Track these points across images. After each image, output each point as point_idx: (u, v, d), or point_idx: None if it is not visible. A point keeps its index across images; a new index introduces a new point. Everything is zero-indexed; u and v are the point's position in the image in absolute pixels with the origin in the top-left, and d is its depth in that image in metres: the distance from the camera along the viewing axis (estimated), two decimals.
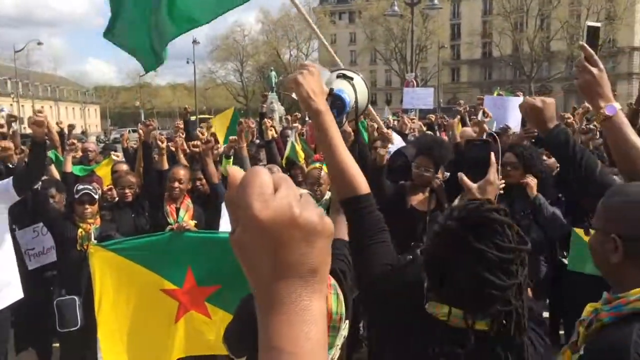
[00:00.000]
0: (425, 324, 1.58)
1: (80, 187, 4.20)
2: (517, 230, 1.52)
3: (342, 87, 2.54)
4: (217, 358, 4.07)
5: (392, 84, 66.75)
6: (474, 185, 2.06)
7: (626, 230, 1.48)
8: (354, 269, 1.81)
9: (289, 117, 7.91)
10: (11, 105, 55.56)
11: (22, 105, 59.35)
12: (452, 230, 1.51)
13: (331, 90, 2.49)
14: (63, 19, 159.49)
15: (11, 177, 3.74)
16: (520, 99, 6.47)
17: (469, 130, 6.46)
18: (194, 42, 51.88)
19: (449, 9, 63.88)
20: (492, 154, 2.15)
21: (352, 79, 2.64)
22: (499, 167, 2.25)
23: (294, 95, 1.83)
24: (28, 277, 4.13)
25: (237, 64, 71.15)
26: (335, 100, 2.46)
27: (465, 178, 2.09)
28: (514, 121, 6.07)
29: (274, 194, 0.62)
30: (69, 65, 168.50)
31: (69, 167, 5.06)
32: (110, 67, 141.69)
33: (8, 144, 4.53)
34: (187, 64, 57.48)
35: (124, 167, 5.62)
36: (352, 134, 3.06)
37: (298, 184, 5.50)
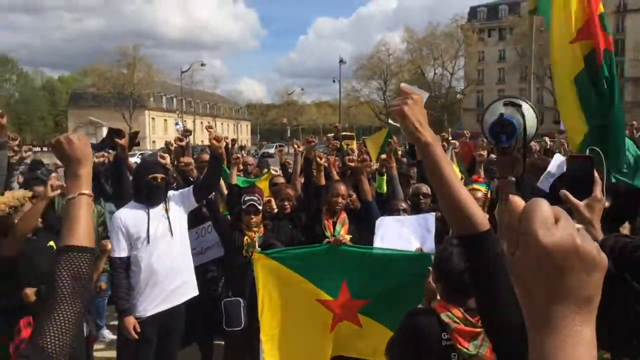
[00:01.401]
0: None
1: (247, 198, 4.49)
2: None
3: (512, 114, 2.49)
4: None
5: (544, 102, 62.99)
6: (580, 204, 1.92)
7: None
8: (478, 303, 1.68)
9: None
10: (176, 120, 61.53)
11: (185, 121, 65.33)
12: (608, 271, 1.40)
13: (501, 115, 2.44)
14: (222, 42, 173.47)
15: (192, 186, 4.15)
16: None
17: None
18: (341, 61, 53.47)
19: (612, 23, 58.92)
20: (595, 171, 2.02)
21: (520, 106, 2.58)
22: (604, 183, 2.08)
23: (398, 124, 1.74)
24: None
25: (381, 82, 71.92)
26: (506, 125, 2.42)
27: (570, 196, 1.94)
28: None
29: (556, 224, 0.66)
30: (226, 85, 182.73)
31: (234, 179, 5.45)
32: (262, 86, 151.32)
33: (189, 159, 5.01)
34: (332, 83, 59.36)
35: (282, 180, 5.95)
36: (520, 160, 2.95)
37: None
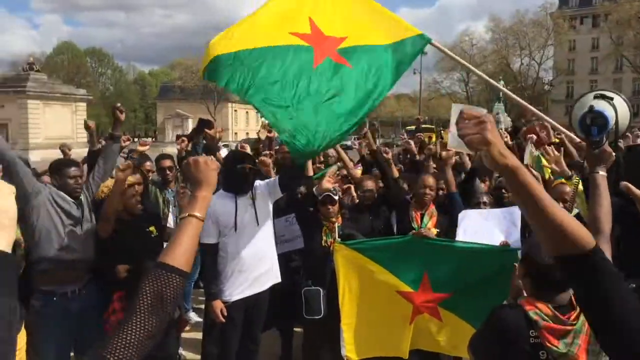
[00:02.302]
0: None
1: None
2: None
3: (603, 106, 2.38)
4: None
5: None
6: None
7: None
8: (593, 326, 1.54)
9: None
10: (257, 113, 62.98)
11: None
12: None
13: (591, 107, 2.35)
14: None
15: (278, 176, 4.28)
16: None
17: None
18: (422, 53, 52.50)
19: None
20: None
21: (612, 98, 2.46)
22: None
23: (472, 152, 1.65)
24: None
25: (463, 73, 70.01)
26: (597, 118, 2.32)
27: (632, 187, 1.81)
28: None
29: None
30: None
31: (310, 172, 5.57)
32: None
33: (267, 160, 5.17)
34: (413, 75, 58.47)
35: (358, 172, 6.03)
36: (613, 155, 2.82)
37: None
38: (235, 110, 73.02)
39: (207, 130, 5.22)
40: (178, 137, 6.46)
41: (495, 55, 66.18)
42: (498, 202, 4.86)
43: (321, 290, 4.37)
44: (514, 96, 4.42)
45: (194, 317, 6.57)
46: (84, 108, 42.52)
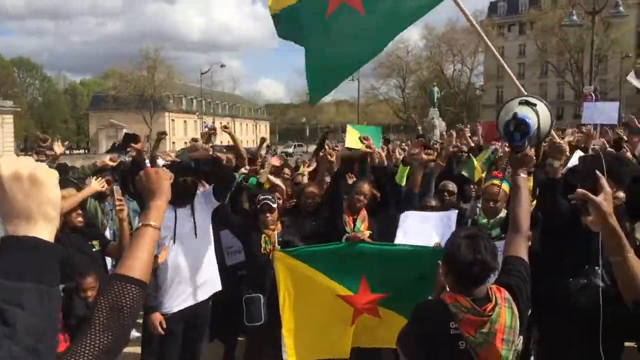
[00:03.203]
0: None
1: (261, 197, 4.59)
2: None
3: (526, 113, 2.54)
4: None
5: (564, 97, 62.24)
6: (599, 199, 2.03)
7: None
8: None
9: (452, 132, 7.81)
10: (195, 121, 62.05)
11: (205, 122, 65.86)
12: None
13: (515, 114, 2.51)
14: (241, 43, 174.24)
15: (212, 186, 4.27)
16: None
17: None
18: None
19: (635, 14, 57.86)
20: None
21: (535, 104, 2.64)
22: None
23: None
24: (223, 275, 4.62)
25: (400, 80, 71.69)
26: (520, 124, 2.48)
27: (589, 194, 2.03)
28: None
29: None
30: (245, 85, 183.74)
31: (264, 179, 5.58)
32: (280, 86, 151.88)
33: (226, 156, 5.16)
34: (351, 81, 59.26)
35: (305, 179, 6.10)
36: (533, 158, 3.01)
37: (468, 199, 5.48)
38: (173, 120, 71.69)
39: (133, 144, 5.16)
40: (113, 145, 6.37)
41: (430, 62, 68.21)
42: (441, 203, 5.06)
43: (261, 297, 4.38)
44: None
45: (133, 332, 6.41)
46: (11, 120, 40.61)
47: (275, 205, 4.57)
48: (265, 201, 4.50)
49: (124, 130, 60.85)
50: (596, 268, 3.43)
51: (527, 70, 65.15)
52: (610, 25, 47.32)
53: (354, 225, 4.60)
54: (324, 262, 4.09)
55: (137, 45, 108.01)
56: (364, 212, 4.70)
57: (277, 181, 5.51)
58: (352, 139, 7.18)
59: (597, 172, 2.11)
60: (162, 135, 6.34)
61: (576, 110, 42.29)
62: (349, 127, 6.78)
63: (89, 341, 1.27)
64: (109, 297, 1.34)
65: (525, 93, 3.10)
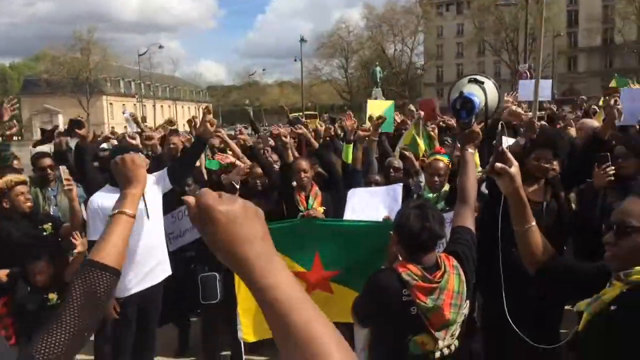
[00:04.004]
0: None
1: (224, 177, 4.62)
2: None
3: (473, 91, 2.67)
4: None
5: (501, 75, 64.16)
6: (514, 171, 2.18)
7: None
8: None
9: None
10: (134, 105, 60.14)
11: (144, 105, 64.05)
12: None
13: (461, 93, 2.63)
14: (179, 23, 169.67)
15: (166, 168, 4.22)
16: None
17: (590, 122, 6.23)
18: (302, 40, 53.16)
19: None
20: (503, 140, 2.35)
21: (482, 82, 2.77)
22: None
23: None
24: (171, 257, 4.60)
25: (342, 60, 71.93)
26: (465, 103, 2.60)
27: (506, 167, 2.18)
28: None
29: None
30: (185, 67, 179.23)
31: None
32: (221, 68, 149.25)
33: (153, 134, 5.09)
34: (294, 62, 59.00)
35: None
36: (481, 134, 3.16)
37: (410, 174, 5.65)
38: (111, 104, 69.27)
39: (77, 130, 5.03)
40: (43, 131, 6.20)
41: (371, 42, 68.68)
42: (386, 181, 5.18)
43: (217, 275, 4.41)
44: None
45: None
46: None
47: (237, 187, 4.61)
48: (231, 182, 4.55)
49: (59, 116, 58.59)
50: None
51: (465, 49, 66.75)
52: (543, 4, 49.11)
53: (307, 202, 4.68)
54: (278, 239, 4.06)
55: (70, 26, 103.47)
56: (315, 189, 4.77)
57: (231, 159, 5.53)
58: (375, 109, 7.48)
59: (502, 146, 2.28)
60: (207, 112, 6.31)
61: (512, 88, 43.69)
62: (369, 102, 7.37)
63: (64, 324, 1.30)
64: (85, 283, 1.37)
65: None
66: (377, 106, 7.77)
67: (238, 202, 0.93)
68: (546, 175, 3.92)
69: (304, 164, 4.81)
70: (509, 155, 2.19)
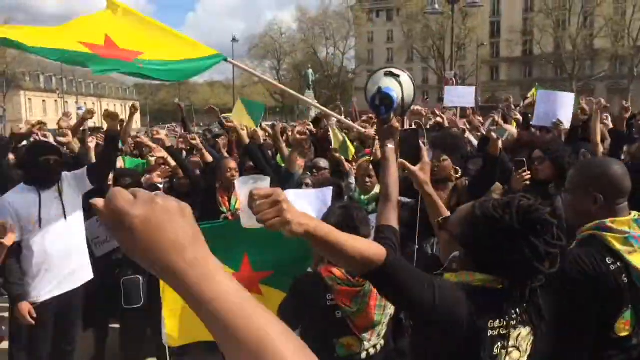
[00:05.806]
0: None
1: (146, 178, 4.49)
2: (560, 229, 1.72)
3: (390, 85, 2.70)
4: None
5: (429, 82, 66.24)
6: (416, 168, 2.32)
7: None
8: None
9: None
10: (56, 101, 57.39)
11: (66, 102, 61.28)
12: (512, 226, 1.67)
13: (379, 88, 2.65)
14: None
15: (85, 168, 4.04)
16: (572, 95, 6.51)
17: (508, 127, 6.55)
18: (234, 40, 52.59)
19: (489, 6, 63.01)
20: (421, 139, 2.50)
21: (398, 76, 2.81)
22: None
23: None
24: (96, 261, 4.41)
25: (274, 61, 71.78)
26: (384, 99, 2.63)
27: (407, 163, 2.29)
28: (565, 116, 6.07)
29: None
30: None
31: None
32: None
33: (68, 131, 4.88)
34: (225, 62, 58.12)
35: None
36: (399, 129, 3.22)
37: (341, 176, 5.72)
38: (30, 99, 65.70)
39: None
40: None
41: (304, 44, 68.98)
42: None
43: (141, 278, 4.28)
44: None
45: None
46: None
47: (161, 188, 4.49)
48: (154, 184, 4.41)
49: None
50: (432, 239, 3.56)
51: (395, 55, 68.31)
52: (468, 14, 51.15)
53: (229, 203, 4.62)
54: (207, 240, 4.05)
55: None
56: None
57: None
58: (239, 113, 7.19)
59: (421, 143, 2.37)
60: (134, 110, 6.40)
61: (439, 94, 45.19)
62: (238, 101, 6.88)
63: None
64: None
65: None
66: (242, 107, 7.61)
67: (157, 202, 0.79)
68: (443, 175, 3.84)
69: (234, 163, 4.77)
70: (423, 153, 2.29)
